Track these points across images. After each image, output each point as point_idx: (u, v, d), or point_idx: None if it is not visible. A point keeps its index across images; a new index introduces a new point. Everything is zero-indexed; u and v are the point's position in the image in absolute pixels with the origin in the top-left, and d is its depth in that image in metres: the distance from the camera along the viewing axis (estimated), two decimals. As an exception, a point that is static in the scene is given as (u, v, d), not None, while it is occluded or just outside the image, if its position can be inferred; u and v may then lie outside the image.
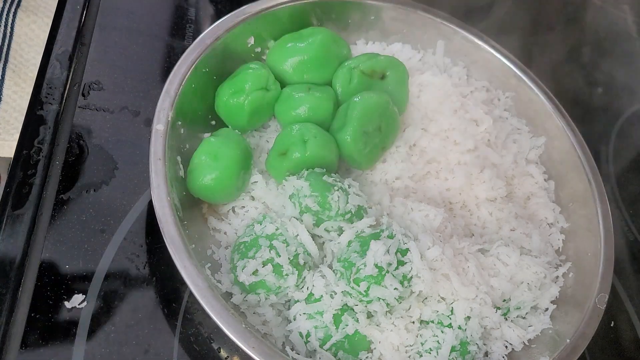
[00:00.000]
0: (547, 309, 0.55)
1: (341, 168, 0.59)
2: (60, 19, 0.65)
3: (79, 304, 0.50)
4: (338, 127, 0.56)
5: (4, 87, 0.61)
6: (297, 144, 0.53)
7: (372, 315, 0.49)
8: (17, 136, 0.57)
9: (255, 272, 0.47)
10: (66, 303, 0.50)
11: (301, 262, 0.48)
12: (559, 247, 0.59)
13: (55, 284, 0.50)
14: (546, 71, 0.81)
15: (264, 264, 0.47)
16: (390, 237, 0.48)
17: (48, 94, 0.60)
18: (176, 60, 0.55)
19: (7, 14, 0.65)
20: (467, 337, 0.49)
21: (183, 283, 0.45)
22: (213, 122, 0.58)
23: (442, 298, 0.50)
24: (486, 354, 0.52)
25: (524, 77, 0.65)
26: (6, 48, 0.63)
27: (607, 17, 0.93)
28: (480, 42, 0.66)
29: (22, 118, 0.58)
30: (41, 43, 0.66)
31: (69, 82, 0.62)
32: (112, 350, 0.49)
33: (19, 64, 0.64)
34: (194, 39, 0.57)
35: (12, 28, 0.64)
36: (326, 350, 0.47)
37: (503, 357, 0.52)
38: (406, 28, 0.67)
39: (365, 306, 0.48)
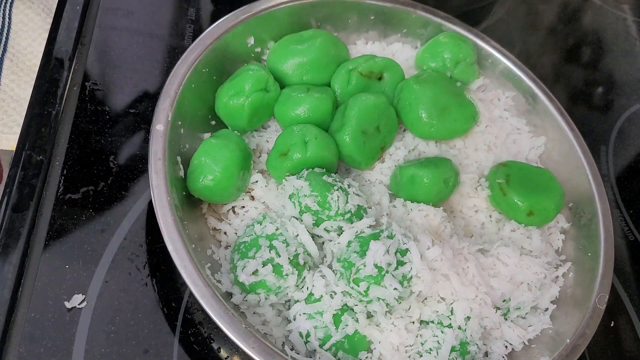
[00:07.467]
0: (547, 309, 0.55)
1: (341, 168, 0.59)
2: (60, 19, 0.65)
3: (79, 304, 0.50)
4: (337, 128, 0.56)
5: (2, 76, 0.60)
6: (298, 144, 0.53)
7: (372, 316, 0.49)
8: (16, 129, 0.57)
9: (255, 272, 0.47)
10: (66, 303, 0.50)
11: (301, 262, 0.48)
12: (559, 247, 0.59)
13: (55, 284, 0.50)
14: (546, 71, 0.81)
15: (264, 264, 0.47)
16: (390, 237, 0.48)
17: (48, 94, 0.60)
18: (176, 60, 0.55)
19: (5, 3, 0.64)
20: (467, 337, 0.49)
21: (183, 283, 0.45)
22: (213, 122, 0.58)
23: (442, 298, 0.50)
24: (486, 354, 0.52)
25: (524, 77, 0.65)
26: (5, 37, 0.62)
27: (607, 17, 0.93)
28: (480, 42, 0.66)
29: (21, 109, 0.58)
30: (37, 29, 0.65)
31: (69, 82, 0.62)
32: (112, 350, 0.49)
33: (16, 52, 0.63)
34: (194, 39, 0.57)
35: (9, 17, 0.64)
36: (326, 350, 0.47)
37: (503, 357, 0.52)
38: (406, 28, 0.67)
39: (365, 306, 0.48)
